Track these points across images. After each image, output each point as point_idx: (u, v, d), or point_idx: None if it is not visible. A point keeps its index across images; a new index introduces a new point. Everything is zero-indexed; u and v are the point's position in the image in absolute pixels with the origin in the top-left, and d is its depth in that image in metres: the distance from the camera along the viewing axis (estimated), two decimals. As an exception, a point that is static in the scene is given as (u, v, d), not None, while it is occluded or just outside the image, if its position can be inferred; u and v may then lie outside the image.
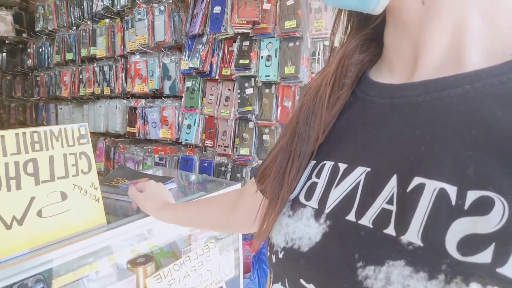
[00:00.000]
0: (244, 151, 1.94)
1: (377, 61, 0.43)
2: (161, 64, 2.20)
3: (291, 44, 1.76)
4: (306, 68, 1.75)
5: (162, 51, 2.20)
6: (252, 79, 1.90)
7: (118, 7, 2.36)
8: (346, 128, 0.40)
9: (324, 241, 0.35)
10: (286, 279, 0.38)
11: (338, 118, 0.41)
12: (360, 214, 0.33)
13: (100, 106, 2.68)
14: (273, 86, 1.86)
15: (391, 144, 0.35)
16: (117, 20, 2.52)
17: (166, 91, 2.21)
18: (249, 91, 1.90)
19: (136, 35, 2.23)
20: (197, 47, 2.02)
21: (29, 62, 3.48)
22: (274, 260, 0.40)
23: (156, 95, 2.33)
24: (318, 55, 1.84)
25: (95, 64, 2.73)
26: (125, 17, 2.40)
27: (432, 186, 0.29)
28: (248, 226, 0.67)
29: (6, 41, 3.81)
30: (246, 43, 1.87)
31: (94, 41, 2.67)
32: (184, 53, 2.09)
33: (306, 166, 0.41)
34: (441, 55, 0.35)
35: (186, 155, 2.18)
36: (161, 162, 2.21)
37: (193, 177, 1.60)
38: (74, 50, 2.90)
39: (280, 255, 0.38)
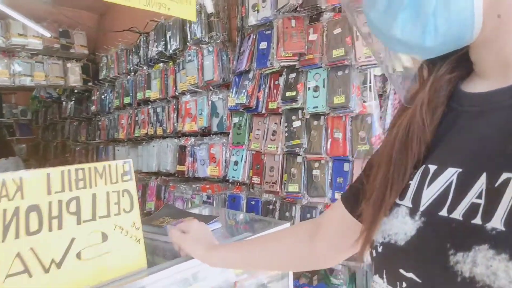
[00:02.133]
0: (292, 187, 1.84)
1: (468, 74, 0.46)
2: (210, 102, 2.24)
3: (339, 73, 1.68)
4: (357, 96, 1.65)
5: (211, 90, 2.24)
6: (300, 112, 1.83)
7: (171, 51, 2.49)
8: (439, 137, 0.44)
9: (418, 235, 0.39)
10: (384, 271, 0.43)
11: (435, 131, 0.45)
12: (451, 209, 0.37)
13: (153, 146, 2.77)
14: (322, 117, 1.77)
15: (480, 146, 0.38)
16: (170, 64, 2.66)
17: (214, 128, 2.22)
18: (297, 124, 1.83)
19: (187, 76, 2.31)
20: (244, 83, 2.03)
21: (93, 108, 3.79)
22: (374, 254, 0.45)
23: (205, 132, 2.35)
24: (370, 82, 1.74)
25: (149, 106, 2.87)
26: (177, 60, 2.53)
27: None
28: (331, 256, 0.67)
29: (75, 90, 4.22)
30: (293, 75, 1.83)
31: (149, 84, 2.83)
32: (231, 90, 2.11)
33: (408, 176, 0.45)
34: None
35: (233, 193, 2.12)
36: (209, 200, 2.17)
37: (240, 216, 1.53)
38: (131, 94, 3.10)
39: (380, 249, 0.43)
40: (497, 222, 0.32)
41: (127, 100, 3.14)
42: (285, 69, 1.88)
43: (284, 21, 1.80)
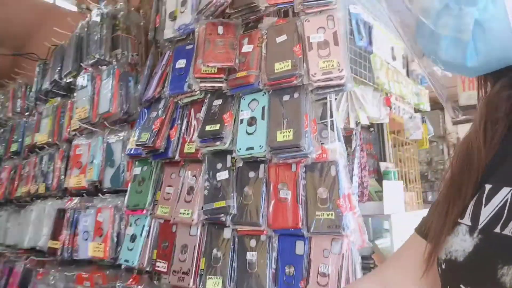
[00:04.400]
0: (213, 283, 1.09)
1: None
2: (105, 145, 1.53)
3: (286, 98, 1.09)
4: (312, 133, 1.05)
5: (108, 127, 1.55)
6: (228, 157, 1.18)
7: (64, 78, 1.83)
8: (499, 158, 0.44)
9: (474, 251, 0.40)
10: (448, 287, 0.44)
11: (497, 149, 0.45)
12: (504, 226, 0.38)
13: (32, 210, 1.94)
14: (262, 166, 1.13)
15: None
16: (70, 98, 1.97)
17: (107, 184, 1.49)
18: (222, 175, 1.17)
19: (76, 107, 1.62)
20: (151, 116, 1.37)
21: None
22: (440, 271, 0.46)
23: (97, 189, 1.60)
24: (331, 116, 1.16)
25: (38, 155, 2.09)
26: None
27: None
28: None
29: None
30: (218, 102, 1.22)
31: (40, 125, 2.09)
32: (135, 127, 1.45)
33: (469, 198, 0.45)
34: None
35: (124, 287, 1.32)
36: (84, 299, 1.34)
37: None
38: (21, 139, 2.32)
39: (443, 266, 0.45)
40: None
41: (14, 147, 2.34)
42: (208, 95, 1.27)
43: (208, 26, 1.25)
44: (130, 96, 1.53)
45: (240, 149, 1.11)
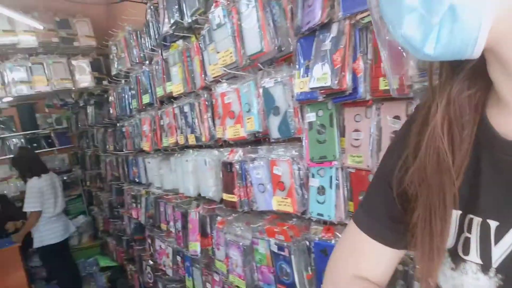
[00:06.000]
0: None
1: (489, 92, 0.43)
2: (261, 90, 1.34)
3: None
4: None
5: (261, 69, 1.33)
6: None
7: (189, 17, 1.60)
8: (480, 181, 0.42)
9: None
10: None
11: (470, 167, 0.43)
12: None
13: (187, 161, 1.96)
14: None
15: None
16: (192, 39, 1.79)
17: (275, 134, 1.33)
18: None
19: (218, 52, 1.42)
20: (320, 48, 1.09)
21: (112, 112, 3.07)
22: None
23: (259, 138, 1.48)
24: None
25: (174, 105, 2.05)
26: (202, 31, 1.64)
27: None
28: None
29: (94, 93, 3.53)
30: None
31: (169, 74, 1.99)
32: (296, 65, 1.20)
33: (450, 215, 0.44)
34: None
35: (321, 239, 1.25)
36: (282, 253, 1.32)
37: None
38: (150, 90, 2.30)
39: None
40: None
41: (146, 99, 2.35)
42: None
43: None
44: (280, 26, 1.25)
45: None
